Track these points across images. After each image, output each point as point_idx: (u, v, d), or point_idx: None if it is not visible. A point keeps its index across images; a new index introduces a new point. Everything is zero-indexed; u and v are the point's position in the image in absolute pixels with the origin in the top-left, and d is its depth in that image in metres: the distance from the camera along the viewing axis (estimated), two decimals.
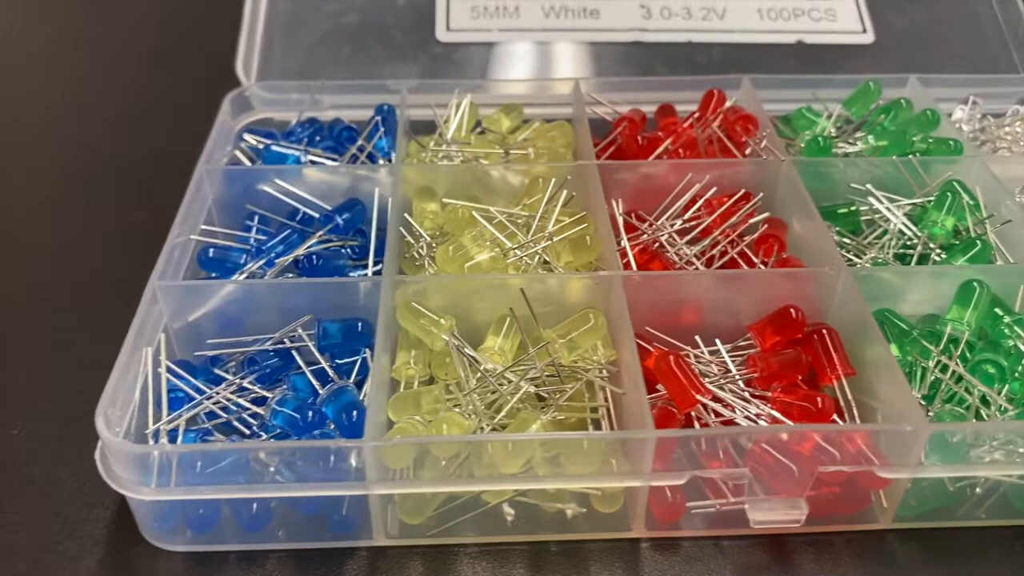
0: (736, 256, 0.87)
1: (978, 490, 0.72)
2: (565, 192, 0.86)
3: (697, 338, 0.80)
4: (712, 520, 0.72)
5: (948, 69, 1.16)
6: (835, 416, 0.74)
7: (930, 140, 0.97)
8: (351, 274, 0.86)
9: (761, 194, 0.89)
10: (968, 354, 0.78)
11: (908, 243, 0.89)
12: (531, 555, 0.71)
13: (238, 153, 1.00)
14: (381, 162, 0.98)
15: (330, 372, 0.75)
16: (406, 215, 0.88)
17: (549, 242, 0.84)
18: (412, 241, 0.86)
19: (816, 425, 0.71)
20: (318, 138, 1.00)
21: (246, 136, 1.00)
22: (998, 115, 1.08)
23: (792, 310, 0.78)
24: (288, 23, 1.18)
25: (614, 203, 0.89)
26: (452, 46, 1.17)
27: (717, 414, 0.74)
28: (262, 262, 0.84)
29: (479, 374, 0.74)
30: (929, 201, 0.90)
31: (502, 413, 0.72)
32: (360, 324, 0.78)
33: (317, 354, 0.76)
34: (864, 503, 0.73)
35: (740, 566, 0.70)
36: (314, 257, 0.83)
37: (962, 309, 0.78)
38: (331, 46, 1.18)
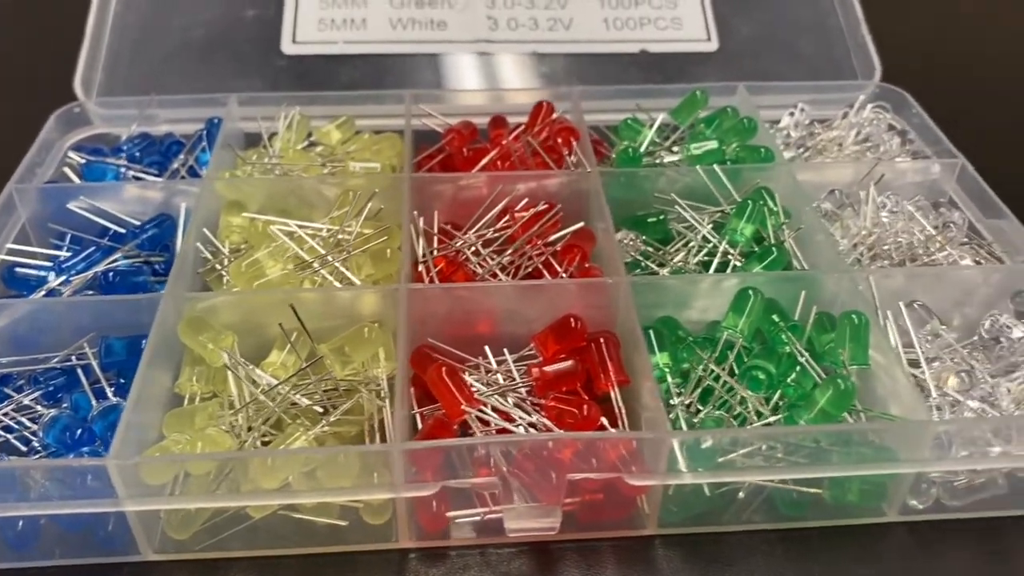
0: (541, 266, 0.88)
1: (741, 495, 0.74)
2: (370, 204, 0.87)
3: (487, 348, 0.81)
4: (481, 529, 0.73)
5: (791, 75, 1.17)
6: (607, 424, 0.76)
7: (737, 148, 0.99)
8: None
9: (559, 205, 0.90)
10: (746, 359, 0.79)
11: (712, 251, 0.90)
12: (301, 567, 0.72)
13: (67, 170, 1.00)
14: (203, 176, 0.98)
15: (107, 390, 0.76)
16: (205, 230, 0.88)
17: (347, 255, 0.85)
18: (210, 256, 0.87)
19: (559, 433, 0.72)
20: (138, 153, 1.00)
21: (71, 153, 1.01)
22: (824, 121, 1.09)
23: (571, 319, 0.80)
24: (135, 38, 1.18)
25: (416, 215, 0.90)
26: (297, 59, 1.18)
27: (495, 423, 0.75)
28: (61, 280, 0.85)
29: (257, 391, 0.75)
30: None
31: (264, 428, 0.72)
32: (146, 341, 0.79)
33: (99, 372, 0.77)
34: (629, 509, 0.74)
35: (503, 575, 0.71)
36: (111, 274, 0.84)
37: (737, 316, 0.79)
38: (178, 61, 1.18)
